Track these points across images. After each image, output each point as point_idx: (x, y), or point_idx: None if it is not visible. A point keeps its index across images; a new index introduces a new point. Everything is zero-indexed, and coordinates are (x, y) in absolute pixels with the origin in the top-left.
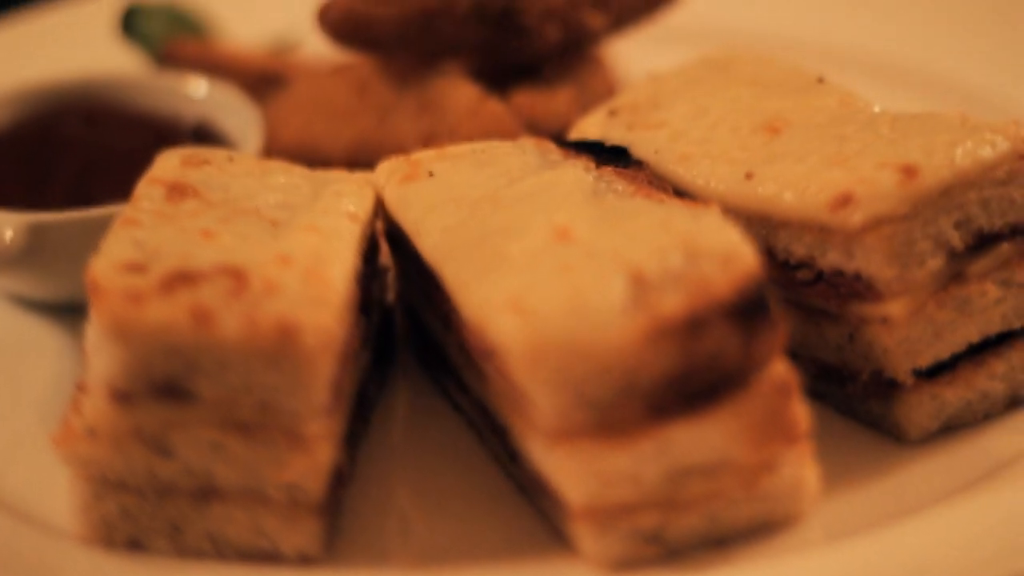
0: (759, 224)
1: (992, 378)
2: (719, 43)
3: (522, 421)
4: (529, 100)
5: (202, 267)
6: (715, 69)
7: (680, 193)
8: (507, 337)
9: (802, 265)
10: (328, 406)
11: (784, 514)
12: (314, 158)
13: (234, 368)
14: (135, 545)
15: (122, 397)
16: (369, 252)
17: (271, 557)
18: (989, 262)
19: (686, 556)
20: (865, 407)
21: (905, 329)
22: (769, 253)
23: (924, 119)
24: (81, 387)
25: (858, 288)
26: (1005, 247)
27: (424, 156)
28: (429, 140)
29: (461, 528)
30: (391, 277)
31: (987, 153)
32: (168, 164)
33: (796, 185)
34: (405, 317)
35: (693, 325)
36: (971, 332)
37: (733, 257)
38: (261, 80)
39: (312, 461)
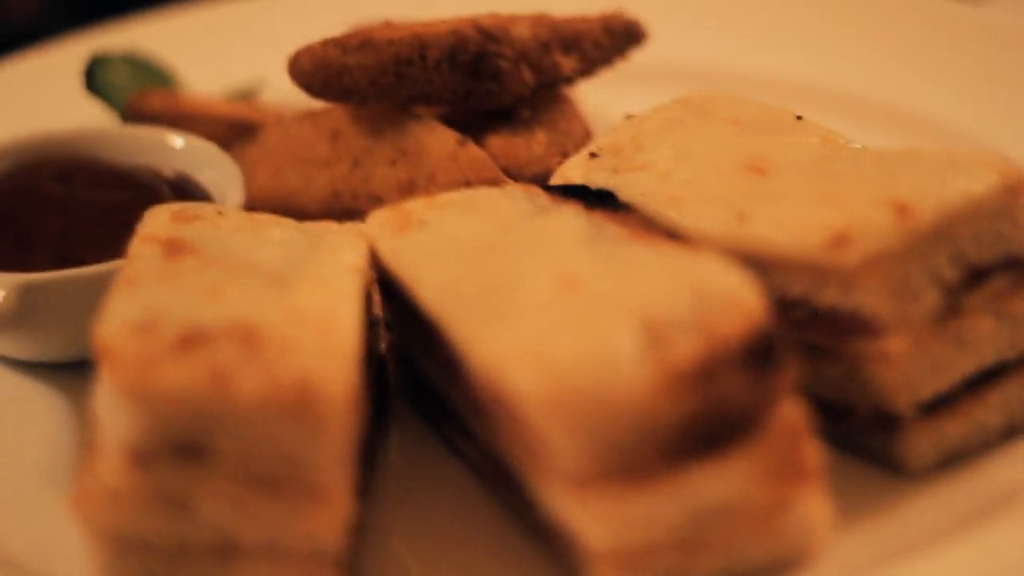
0: (752, 265)
1: (989, 409)
2: (687, 81)
3: (536, 467)
4: (505, 145)
5: (213, 326)
6: (693, 110)
7: (673, 235)
8: (524, 387)
9: (797, 304)
10: (348, 459)
11: (798, 552)
12: (287, 208)
13: (255, 426)
14: None
15: (141, 458)
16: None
17: None
18: (983, 295)
19: None
20: (864, 442)
21: (905, 364)
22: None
23: (909, 155)
24: (91, 447)
25: (855, 325)
26: (998, 280)
27: (414, 205)
28: (407, 187)
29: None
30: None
31: (977, 188)
32: (159, 220)
33: (789, 225)
34: (400, 366)
35: (706, 371)
36: (968, 364)
37: (740, 300)
38: (230, 129)
39: (333, 514)
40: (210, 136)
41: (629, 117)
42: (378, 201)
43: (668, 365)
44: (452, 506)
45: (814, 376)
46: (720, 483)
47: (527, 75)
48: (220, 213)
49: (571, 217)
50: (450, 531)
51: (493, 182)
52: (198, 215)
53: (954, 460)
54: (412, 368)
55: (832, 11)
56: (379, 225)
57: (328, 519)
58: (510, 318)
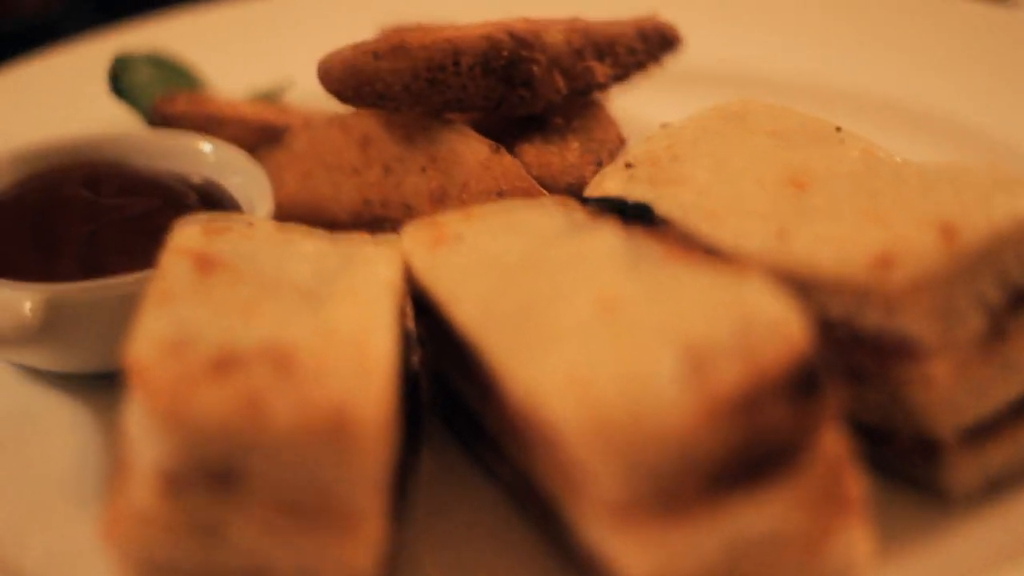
0: (793, 284)
1: None
2: (723, 86)
3: (574, 495)
4: (538, 153)
5: (247, 347)
6: (731, 119)
7: (712, 253)
8: (564, 414)
9: (839, 325)
10: (382, 485)
11: None
12: (317, 215)
13: (288, 453)
14: None
15: (173, 484)
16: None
17: None
18: None
19: None
20: (906, 467)
21: (948, 388)
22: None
23: (953, 171)
24: (122, 469)
25: (898, 348)
26: None
27: (449, 219)
28: (439, 196)
29: None
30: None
31: (1022, 208)
32: (190, 233)
33: (832, 245)
34: (432, 383)
35: (749, 399)
36: (1012, 388)
37: (784, 327)
38: (257, 133)
39: (367, 541)
40: (237, 139)
41: (664, 126)
42: (409, 210)
43: (710, 393)
44: (485, 530)
45: (855, 399)
46: (762, 515)
47: (560, 81)
48: (250, 224)
49: (609, 235)
50: (483, 556)
51: (527, 191)
52: (229, 227)
53: (998, 486)
54: (445, 386)
55: (872, 16)
56: (413, 239)
57: (361, 546)
58: (548, 341)
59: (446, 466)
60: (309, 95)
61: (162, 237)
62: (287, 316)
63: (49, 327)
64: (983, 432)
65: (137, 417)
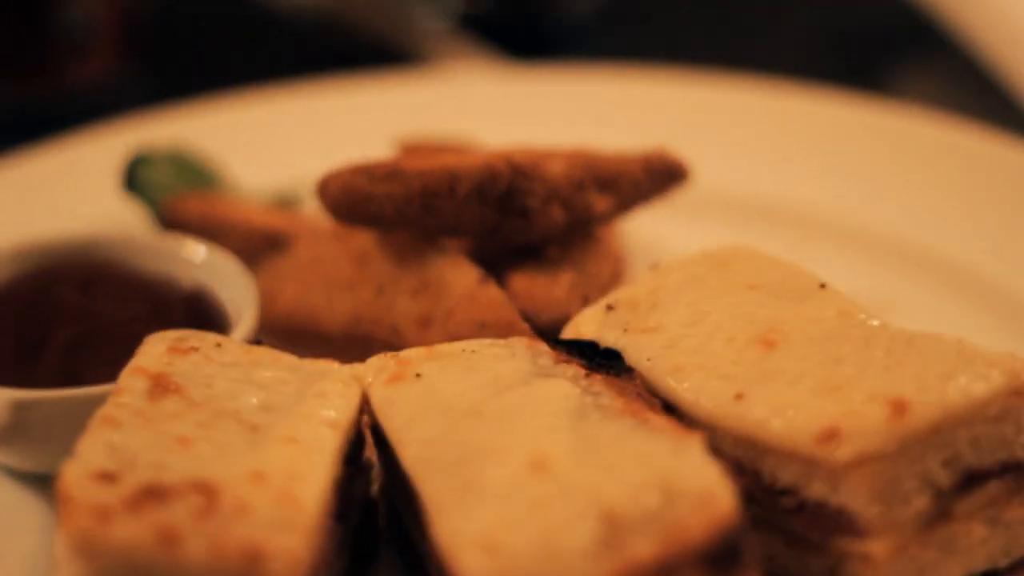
0: (747, 446)
1: None
2: (740, 211)
3: None
4: (528, 284)
5: (174, 481)
6: (716, 267)
7: (670, 407)
8: (474, 573)
9: (787, 492)
10: None
11: None
12: (310, 327)
13: None
14: None
15: None
16: (354, 448)
17: None
18: (977, 501)
19: None
20: None
21: (887, 567)
22: (756, 476)
23: (921, 342)
24: None
25: (841, 522)
26: (994, 485)
27: (413, 354)
28: (425, 321)
29: None
30: (375, 471)
31: (980, 390)
32: (155, 351)
33: (784, 413)
34: (388, 512)
35: (663, 570)
36: (955, 571)
37: (710, 499)
38: (263, 240)
39: None
40: (244, 244)
41: (654, 267)
42: (396, 332)
43: (622, 563)
44: None
45: (799, 568)
46: None
47: (557, 213)
48: (219, 345)
49: (565, 385)
50: None
51: (508, 325)
52: (195, 347)
53: None
54: (398, 517)
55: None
56: (375, 371)
57: None
58: (475, 496)
59: None
60: None
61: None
62: (224, 451)
63: (14, 429)
64: None
65: (59, 541)
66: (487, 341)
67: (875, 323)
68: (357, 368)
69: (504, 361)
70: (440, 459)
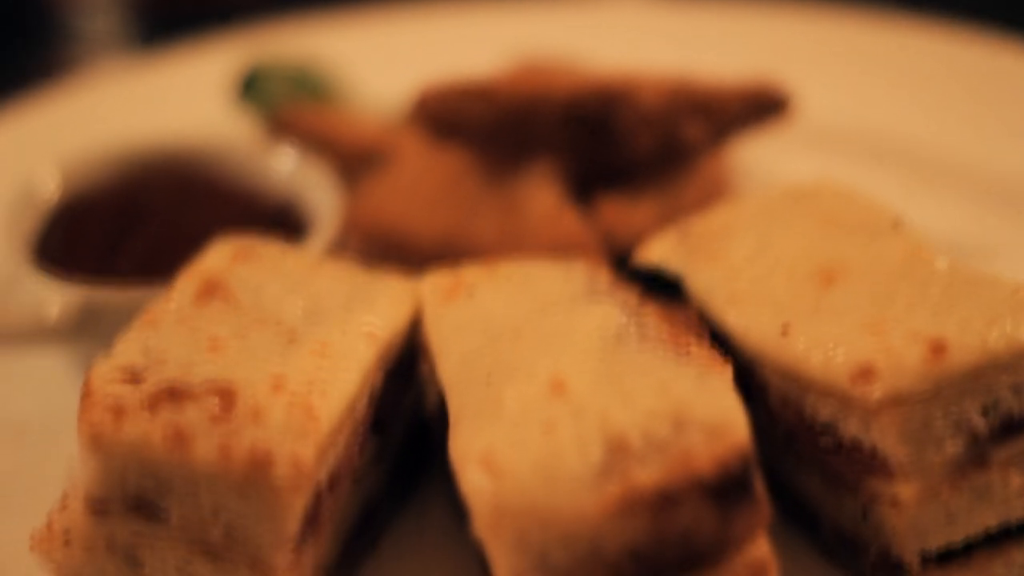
0: (791, 380)
1: (1010, 566)
2: (849, 144)
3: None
4: (612, 207)
5: (195, 384)
6: (796, 200)
7: (721, 338)
8: (473, 493)
9: (826, 430)
10: (297, 539)
11: None
12: (401, 243)
13: (204, 493)
14: None
15: (97, 507)
16: (405, 363)
17: None
18: (1015, 449)
19: None
20: None
21: (915, 512)
22: (799, 412)
23: (980, 284)
24: (69, 487)
25: (874, 463)
26: None
27: (471, 273)
28: (506, 241)
29: None
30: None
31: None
32: (218, 255)
33: (824, 348)
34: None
35: (665, 499)
36: (989, 519)
37: (722, 429)
38: (368, 153)
39: None
40: (349, 157)
41: (735, 200)
42: (480, 250)
43: (624, 488)
44: None
45: (836, 507)
46: None
47: (647, 140)
48: (284, 255)
49: (611, 311)
50: None
51: (583, 247)
52: (259, 255)
53: None
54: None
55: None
56: (431, 288)
57: None
58: (490, 413)
59: (430, 516)
60: None
61: None
62: (252, 357)
63: (88, 325)
64: (952, 560)
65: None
66: (548, 262)
67: (942, 264)
68: (415, 283)
69: (557, 283)
70: (471, 375)
